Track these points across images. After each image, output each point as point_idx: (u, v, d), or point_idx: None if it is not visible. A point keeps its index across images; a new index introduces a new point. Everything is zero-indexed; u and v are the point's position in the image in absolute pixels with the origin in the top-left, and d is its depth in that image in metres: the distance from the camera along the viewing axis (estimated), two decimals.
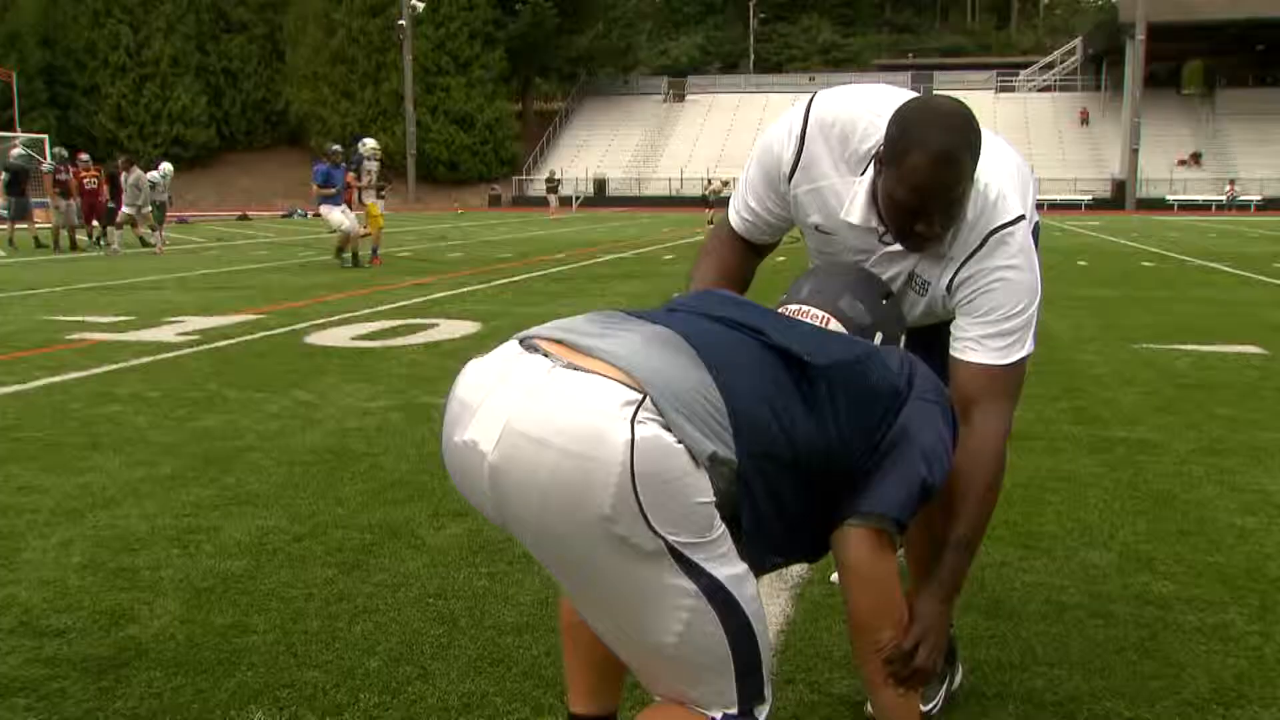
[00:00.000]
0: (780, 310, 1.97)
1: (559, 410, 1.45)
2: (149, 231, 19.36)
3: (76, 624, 2.82)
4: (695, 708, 1.55)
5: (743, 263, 2.35)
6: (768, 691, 1.59)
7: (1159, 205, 47.97)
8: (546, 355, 1.53)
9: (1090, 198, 48.41)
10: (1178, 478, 4.17)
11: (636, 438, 1.41)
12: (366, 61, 57.12)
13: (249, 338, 8.04)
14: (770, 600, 2.96)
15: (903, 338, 2.06)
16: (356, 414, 5.32)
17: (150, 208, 19.37)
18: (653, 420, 1.44)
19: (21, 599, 2.99)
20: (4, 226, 19.93)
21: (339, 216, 15.05)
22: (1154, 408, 5.43)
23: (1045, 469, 4.28)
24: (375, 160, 15.89)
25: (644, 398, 1.45)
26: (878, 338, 1.97)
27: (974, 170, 1.95)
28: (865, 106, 2.09)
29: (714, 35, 77.53)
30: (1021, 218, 2.02)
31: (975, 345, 2.03)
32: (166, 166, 21.21)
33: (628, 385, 1.47)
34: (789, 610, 2.90)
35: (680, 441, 1.45)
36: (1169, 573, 3.16)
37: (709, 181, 33.84)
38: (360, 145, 16.00)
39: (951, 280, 2.04)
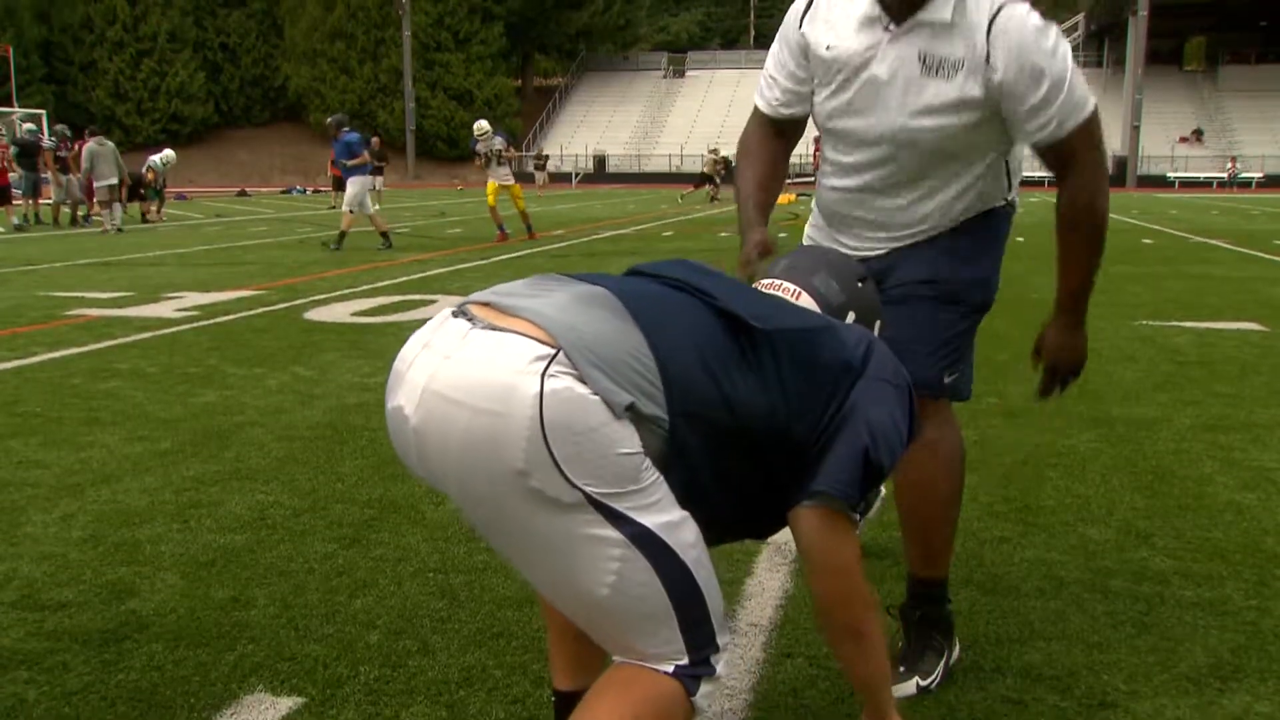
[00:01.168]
0: (756, 284, 1.99)
1: (471, 369, 1.46)
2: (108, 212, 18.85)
3: (77, 598, 2.82)
4: (648, 664, 1.54)
5: (776, 151, 2.54)
6: (722, 640, 1.58)
7: (1160, 182, 47.90)
8: (471, 319, 1.54)
9: None
10: (1177, 454, 4.17)
11: (546, 390, 1.42)
12: (365, 37, 56.89)
13: (248, 314, 8.03)
14: (770, 574, 2.97)
15: (879, 322, 2.06)
16: (356, 390, 5.33)
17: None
18: (565, 374, 1.44)
19: (23, 573, 3.00)
20: (20, 202, 19.83)
21: (368, 200, 14.58)
22: (1153, 385, 5.44)
23: (1045, 445, 4.29)
24: (492, 141, 15.69)
25: (556, 351, 1.46)
26: (850, 318, 1.97)
27: None
28: None
29: (714, 11, 77.20)
30: None
31: (1053, 124, 2.17)
32: (169, 153, 21.18)
33: (541, 341, 1.47)
34: (788, 585, 2.91)
35: (596, 393, 1.45)
36: (1167, 548, 3.17)
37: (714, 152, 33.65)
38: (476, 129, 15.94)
39: (988, 55, 2.14)
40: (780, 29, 2.45)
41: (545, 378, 1.43)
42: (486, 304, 1.57)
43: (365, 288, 9.65)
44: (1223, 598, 2.81)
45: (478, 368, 1.46)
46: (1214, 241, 15.31)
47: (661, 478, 1.52)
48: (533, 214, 17.12)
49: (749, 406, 1.58)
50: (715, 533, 1.67)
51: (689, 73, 66.22)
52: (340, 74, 56.95)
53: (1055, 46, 2.14)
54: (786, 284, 1.97)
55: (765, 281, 2.01)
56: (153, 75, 55.98)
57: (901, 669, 2.35)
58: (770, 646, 2.54)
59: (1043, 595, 2.84)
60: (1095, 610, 2.74)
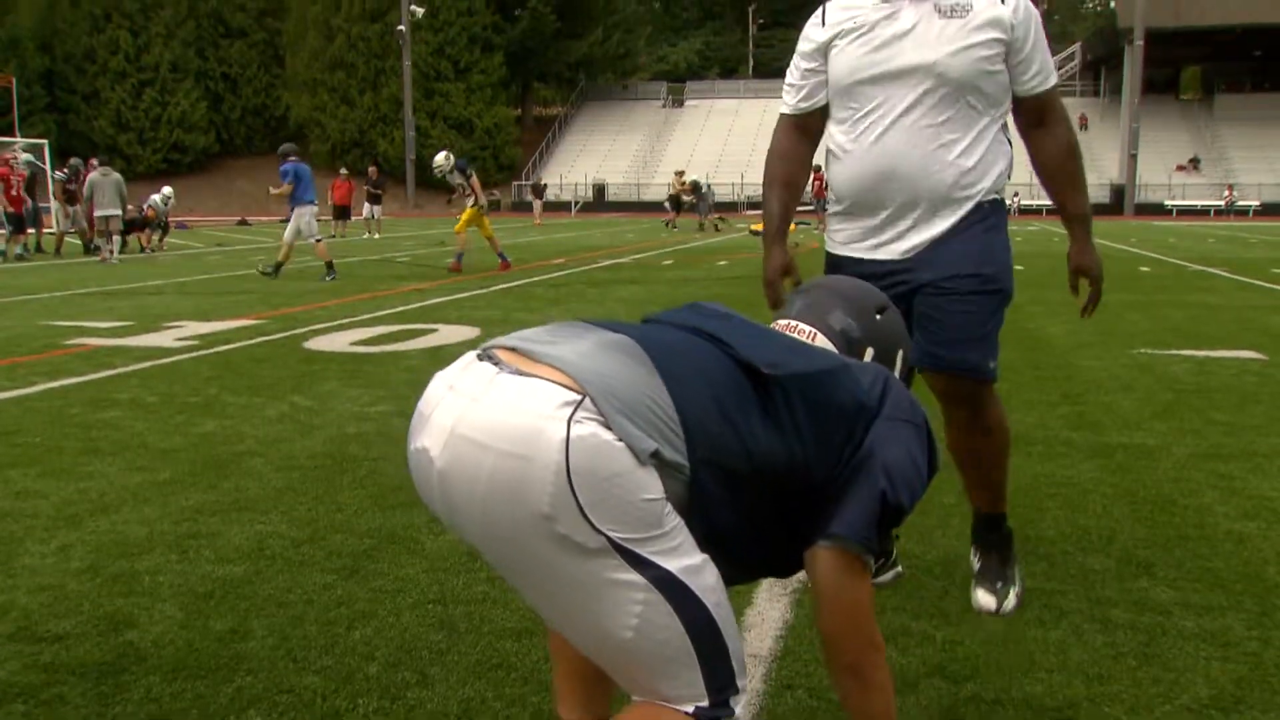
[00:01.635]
0: (773, 325, 1.99)
1: (498, 413, 1.48)
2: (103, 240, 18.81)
3: (75, 629, 2.82)
4: (668, 704, 1.55)
5: (803, 154, 2.98)
6: (741, 682, 1.58)
7: (1158, 210, 48.04)
8: (497, 363, 1.55)
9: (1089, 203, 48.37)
10: (1176, 483, 4.17)
11: (571, 435, 1.43)
12: (366, 67, 57.18)
13: (248, 343, 8.04)
14: (770, 605, 2.96)
15: (901, 351, 2.06)
16: (355, 419, 5.33)
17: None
18: (591, 419, 1.46)
19: (20, 604, 2.99)
20: (29, 233, 19.86)
21: (300, 229, 14.41)
22: (1153, 413, 5.44)
23: (1044, 474, 4.29)
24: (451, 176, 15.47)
25: (582, 398, 1.47)
26: (868, 353, 1.98)
27: None
28: None
29: (713, 41, 77.65)
30: None
31: (1044, 73, 2.77)
32: (168, 191, 21.34)
33: (568, 387, 1.49)
34: (788, 616, 2.90)
35: (621, 440, 1.46)
36: (1168, 578, 3.16)
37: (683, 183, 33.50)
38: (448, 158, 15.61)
39: (999, 5, 2.68)
40: (797, 45, 2.95)
41: (572, 423, 1.44)
42: (512, 349, 1.59)
43: (365, 317, 9.67)
44: (1224, 628, 2.81)
45: (505, 412, 1.47)
46: (1212, 269, 15.35)
47: (682, 522, 1.53)
48: (532, 243, 17.17)
49: (768, 453, 1.59)
50: (737, 572, 1.68)
51: (688, 102, 66.54)
52: (341, 103, 57.22)
53: (1040, 25, 2.76)
54: (802, 325, 1.98)
55: (781, 322, 2.01)
56: (155, 105, 56.25)
57: (998, 585, 2.94)
58: (770, 678, 2.54)
59: (1043, 625, 2.83)
60: (1096, 641, 2.73)
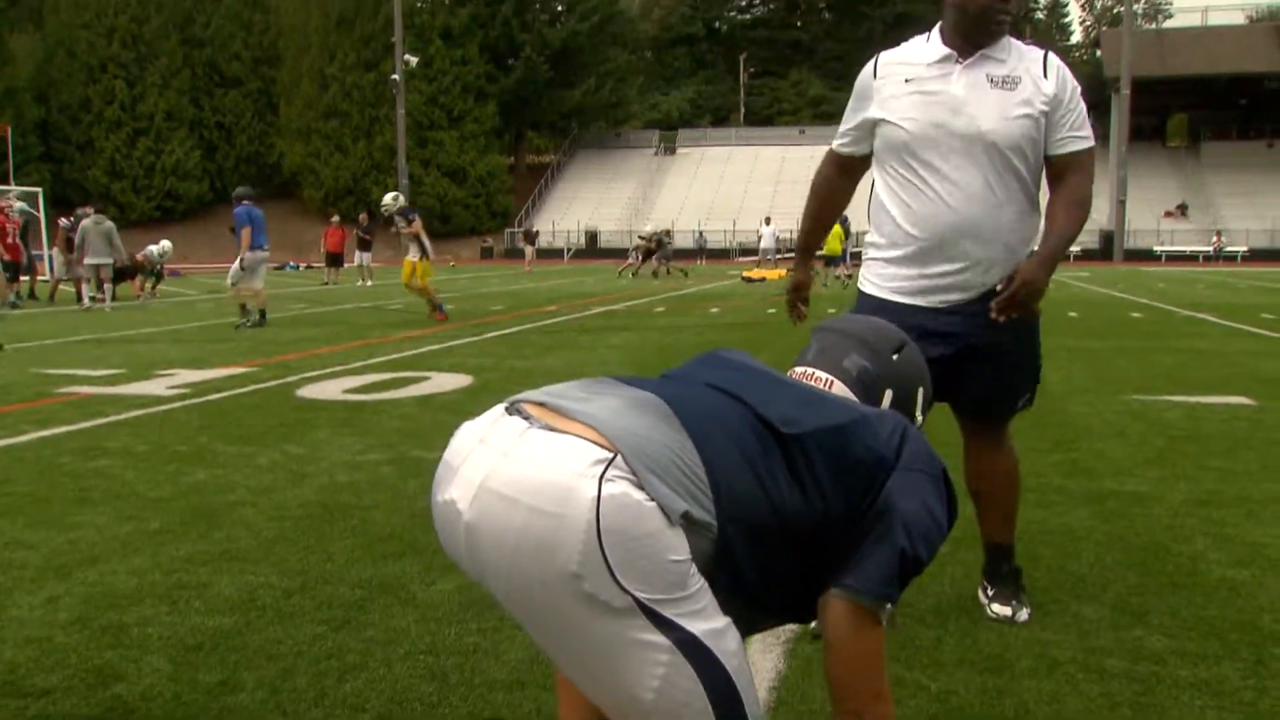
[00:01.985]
0: (790, 373, 1.99)
1: (529, 469, 1.48)
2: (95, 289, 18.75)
3: (62, 683, 2.79)
4: None
5: (843, 186, 3.33)
6: None
7: (1147, 256, 48.38)
8: (527, 418, 1.55)
9: (1079, 249, 48.64)
10: (1170, 530, 4.17)
11: (603, 495, 1.44)
12: (360, 115, 57.64)
13: (240, 391, 8.03)
14: (762, 655, 2.94)
15: (921, 388, 2.06)
16: (347, 468, 5.31)
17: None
18: (623, 478, 1.46)
19: (7, 658, 2.96)
20: (23, 280, 19.87)
21: (242, 273, 14.27)
22: (1145, 460, 5.44)
23: (1036, 521, 4.28)
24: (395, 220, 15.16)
25: (614, 456, 1.48)
26: (887, 396, 1.97)
27: None
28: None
29: (704, 90, 78.36)
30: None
31: (1075, 137, 3.00)
32: (167, 245, 21.46)
33: (599, 444, 1.49)
34: (780, 666, 2.88)
35: (652, 500, 1.46)
36: (1162, 626, 3.15)
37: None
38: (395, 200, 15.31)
39: (1044, 71, 2.96)
40: (854, 90, 3.19)
41: (603, 482, 1.45)
42: (541, 404, 1.59)
43: (357, 364, 9.66)
44: (1219, 677, 2.79)
45: (537, 468, 1.47)
46: (1202, 315, 15.43)
47: (706, 585, 1.53)
48: (524, 290, 17.17)
49: (793, 509, 1.60)
50: (761, 617, 1.68)
51: (680, 149, 67.08)
52: (334, 151, 57.61)
53: (1079, 93, 3.02)
54: (819, 373, 1.98)
55: (798, 370, 2.02)
56: (149, 153, 56.59)
57: (1013, 603, 3.20)
58: None
59: (1037, 675, 2.82)
60: (1091, 691, 2.72)
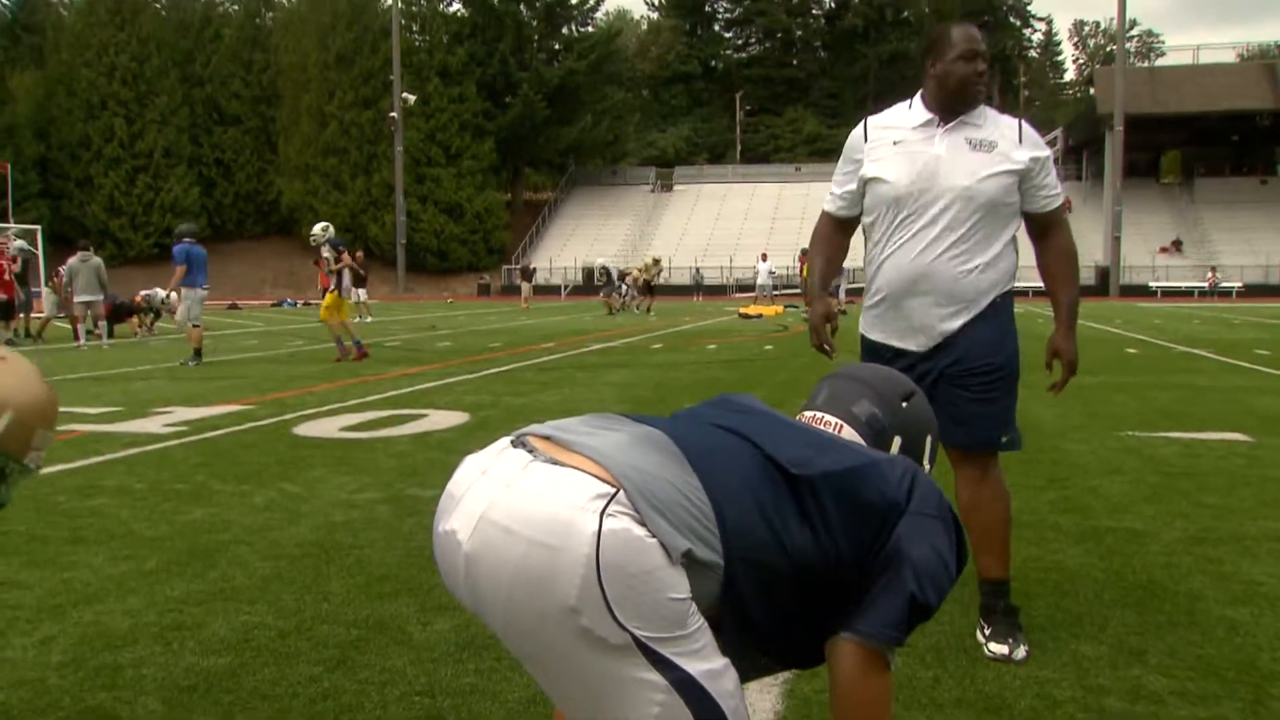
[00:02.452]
0: (799, 417, 2.00)
1: (531, 501, 1.48)
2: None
3: None
4: None
5: (842, 240, 3.56)
6: None
7: (1142, 292, 48.55)
8: (532, 451, 1.55)
9: None
10: (1166, 568, 4.16)
11: (604, 529, 1.43)
12: (358, 153, 57.95)
13: (237, 428, 8.02)
14: (760, 695, 2.93)
15: (929, 436, 2.07)
16: (344, 506, 5.30)
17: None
18: (625, 514, 1.45)
19: (0, 700, 2.94)
20: (20, 319, 19.87)
21: (197, 310, 14.23)
22: (1141, 497, 5.44)
23: (1032, 559, 4.28)
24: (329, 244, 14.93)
25: (617, 491, 1.47)
26: (896, 442, 1.97)
27: None
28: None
29: (701, 127, 78.90)
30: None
31: (1052, 195, 3.32)
32: (175, 296, 21.58)
33: (602, 479, 1.48)
34: (779, 706, 2.87)
35: (653, 536, 1.46)
36: (1161, 665, 3.15)
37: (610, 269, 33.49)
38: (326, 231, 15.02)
39: (1020, 139, 3.27)
40: (842, 153, 3.49)
41: (604, 516, 1.44)
42: (546, 437, 1.59)
43: (354, 402, 9.66)
44: (1219, 717, 2.78)
45: (538, 500, 1.47)
46: (1197, 351, 15.46)
47: (705, 624, 1.53)
48: (521, 327, 17.17)
49: (803, 551, 1.59)
50: (767, 660, 1.67)
51: (676, 186, 67.40)
52: (332, 188, 57.84)
53: (1050, 157, 3.35)
54: (828, 417, 1.98)
55: (807, 414, 2.02)
56: (148, 190, 56.78)
57: (1010, 640, 3.24)
58: None
59: (1037, 715, 2.81)
60: None
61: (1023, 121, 3.32)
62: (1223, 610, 3.65)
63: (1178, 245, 54.07)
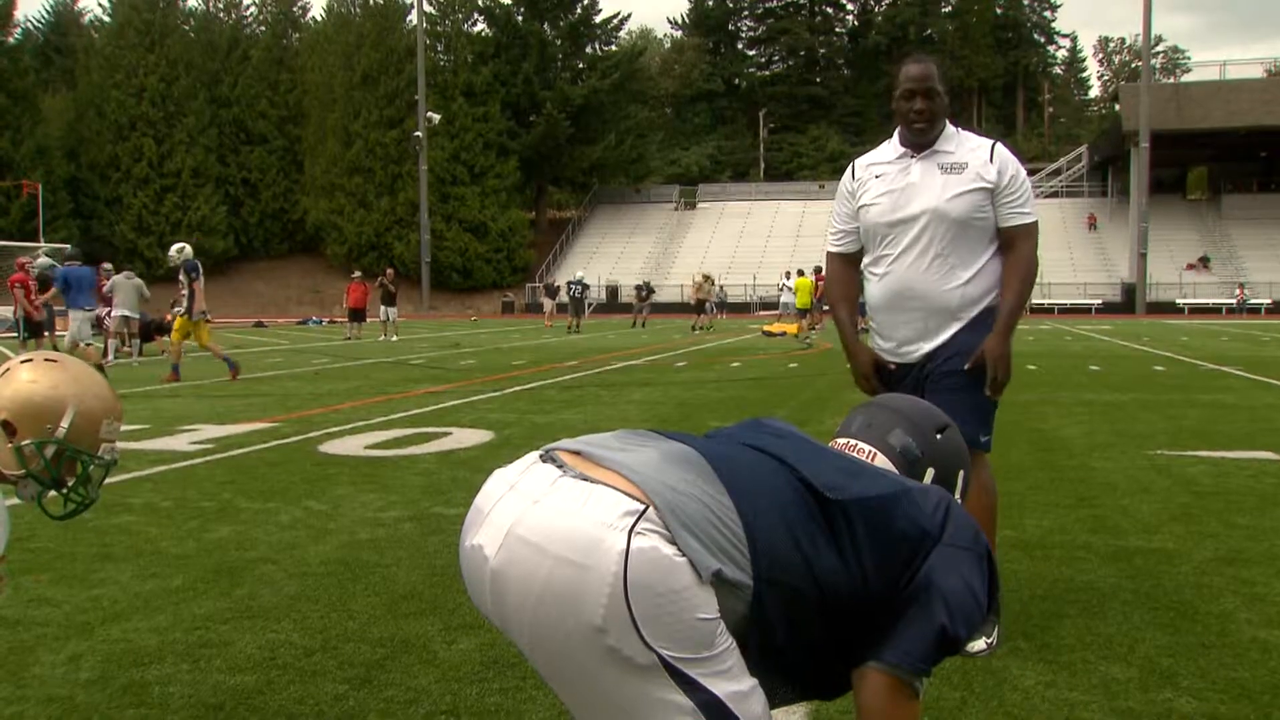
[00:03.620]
0: (832, 443, 1.98)
1: (559, 517, 1.46)
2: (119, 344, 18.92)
3: None
4: None
5: (855, 276, 3.83)
6: None
7: (1169, 309, 48.17)
8: (561, 466, 1.54)
9: (1100, 302, 48.64)
10: (1197, 589, 4.11)
11: (632, 548, 1.41)
12: (383, 172, 58.39)
13: (263, 446, 8.06)
14: (785, 714, 2.91)
15: (962, 471, 2.05)
16: (369, 525, 5.31)
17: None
18: (654, 532, 1.43)
19: (29, 716, 2.96)
20: (45, 337, 20.05)
21: (86, 329, 14.15)
22: (1171, 516, 5.39)
23: (1062, 579, 4.24)
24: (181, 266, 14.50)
25: (646, 508, 1.45)
26: (929, 473, 1.95)
27: (943, 85, 3.51)
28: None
29: (724, 145, 79.02)
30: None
31: (1019, 213, 3.54)
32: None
33: (632, 496, 1.46)
34: None
35: (683, 555, 1.44)
36: (1192, 688, 3.11)
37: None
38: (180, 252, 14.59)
39: (991, 157, 3.54)
40: (837, 193, 3.84)
41: (633, 534, 1.42)
42: (576, 452, 1.58)
43: (379, 420, 9.69)
44: None
45: (566, 517, 1.45)
46: (1226, 368, 15.31)
47: (734, 644, 1.50)
48: (545, 345, 17.17)
49: (832, 575, 1.57)
50: (790, 689, 1.65)
51: (700, 204, 67.50)
52: (358, 207, 58.29)
53: (1023, 176, 3.58)
54: (862, 444, 1.97)
55: (841, 441, 2.01)
56: (175, 210, 57.34)
57: (983, 634, 3.33)
58: None
59: None
60: None
61: (997, 143, 3.59)
62: (1255, 632, 3.60)
63: (1204, 262, 53.66)
